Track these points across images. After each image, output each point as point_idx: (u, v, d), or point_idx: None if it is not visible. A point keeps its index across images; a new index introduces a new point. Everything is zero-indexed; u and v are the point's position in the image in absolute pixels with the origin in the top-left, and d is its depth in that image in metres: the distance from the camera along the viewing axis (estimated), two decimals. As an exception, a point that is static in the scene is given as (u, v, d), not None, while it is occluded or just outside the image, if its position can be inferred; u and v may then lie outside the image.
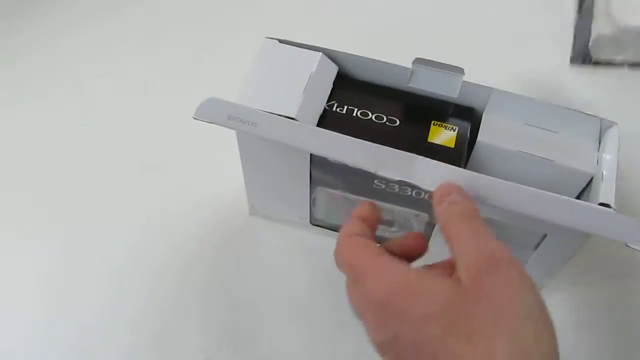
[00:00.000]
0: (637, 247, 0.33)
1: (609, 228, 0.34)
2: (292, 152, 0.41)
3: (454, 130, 0.42)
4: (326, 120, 0.42)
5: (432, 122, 0.42)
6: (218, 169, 0.53)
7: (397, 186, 0.41)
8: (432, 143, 0.41)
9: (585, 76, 0.57)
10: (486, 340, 0.25)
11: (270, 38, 0.44)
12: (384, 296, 0.28)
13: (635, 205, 0.53)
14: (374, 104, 0.43)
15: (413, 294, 0.27)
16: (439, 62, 0.41)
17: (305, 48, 0.43)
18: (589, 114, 0.41)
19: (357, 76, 0.45)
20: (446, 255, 0.31)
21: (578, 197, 0.42)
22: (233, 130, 0.41)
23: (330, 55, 0.43)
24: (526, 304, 0.26)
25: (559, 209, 0.34)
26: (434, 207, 0.33)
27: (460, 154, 0.41)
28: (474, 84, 0.42)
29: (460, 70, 0.41)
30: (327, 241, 0.51)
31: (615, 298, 0.49)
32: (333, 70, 0.44)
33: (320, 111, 0.42)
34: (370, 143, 0.36)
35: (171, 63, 0.63)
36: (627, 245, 0.33)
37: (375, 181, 0.41)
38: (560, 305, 0.48)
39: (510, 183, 0.34)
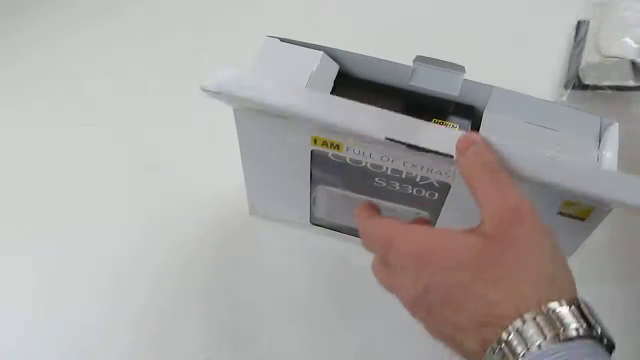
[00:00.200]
0: None
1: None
2: (294, 148, 0.41)
3: (455, 128, 0.42)
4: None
5: (433, 120, 0.42)
6: (218, 168, 0.53)
7: (397, 184, 0.41)
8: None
9: (576, 96, 0.60)
10: (513, 283, 0.28)
11: (272, 37, 0.44)
12: (417, 250, 0.30)
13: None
14: (375, 102, 0.43)
15: (443, 245, 0.30)
16: (440, 60, 0.41)
17: (307, 47, 0.43)
18: (589, 113, 0.41)
19: (358, 75, 0.45)
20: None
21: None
22: (233, 129, 0.41)
23: (331, 53, 0.43)
24: (546, 252, 0.29)
25: (579, 175, 0.34)
26: (456, 158, 0.33)
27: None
28: (474, 82, 0.42)
29: (461, 69, 0.41)
30: (327, 241, 0.51)
31: (622, 298, 0.49)
32: (334, 68, 0.44)
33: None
34: (382, 110, 0.36)
35: (171, 63, 0.63)
36: None
37: (376, 179, 0.41)
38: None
39: (527, 149, 0.34)
